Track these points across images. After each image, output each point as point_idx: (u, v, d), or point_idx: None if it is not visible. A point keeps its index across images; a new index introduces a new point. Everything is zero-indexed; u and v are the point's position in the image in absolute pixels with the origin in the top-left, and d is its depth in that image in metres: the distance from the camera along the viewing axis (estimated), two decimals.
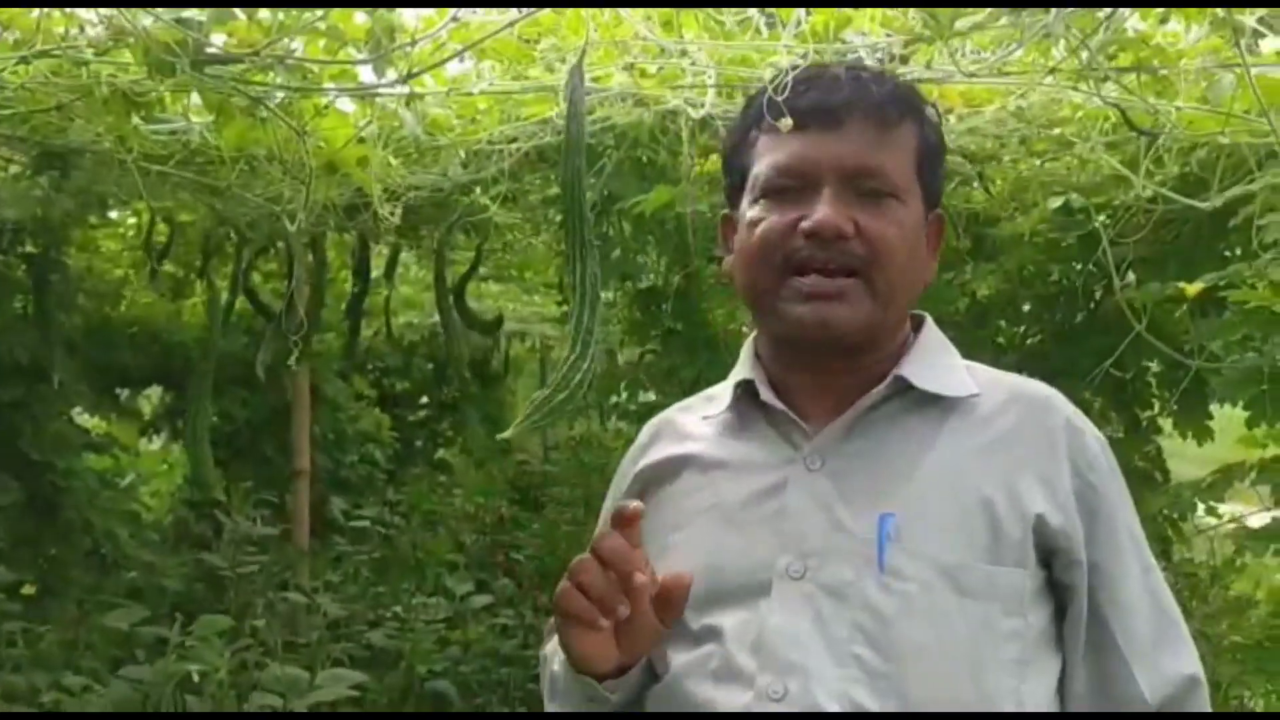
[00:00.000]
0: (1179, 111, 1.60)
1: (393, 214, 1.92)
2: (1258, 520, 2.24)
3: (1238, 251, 2.49)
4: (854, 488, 1.08)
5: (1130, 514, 1.13)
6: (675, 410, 1.29)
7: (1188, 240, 2.55)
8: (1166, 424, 2.90)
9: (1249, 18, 1.54)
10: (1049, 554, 1.07)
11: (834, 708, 1.01)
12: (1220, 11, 1.31)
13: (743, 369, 1.20)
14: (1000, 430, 1.10)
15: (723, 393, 1.21)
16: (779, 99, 1.12)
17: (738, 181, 1.18)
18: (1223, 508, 2.78)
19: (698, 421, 1.22)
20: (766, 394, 1.15)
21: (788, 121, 1.11)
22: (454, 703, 3.80)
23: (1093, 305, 2.88)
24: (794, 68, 1.14)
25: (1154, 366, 2.81)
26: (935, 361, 1.16)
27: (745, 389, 1.18)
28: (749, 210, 1.14)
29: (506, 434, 1.15)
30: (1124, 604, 1.09)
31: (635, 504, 1.06)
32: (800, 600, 1.05)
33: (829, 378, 1.14)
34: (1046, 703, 1.06)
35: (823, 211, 1.08)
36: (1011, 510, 1.05)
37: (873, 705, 1.01)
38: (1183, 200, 1.82)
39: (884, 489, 1.08)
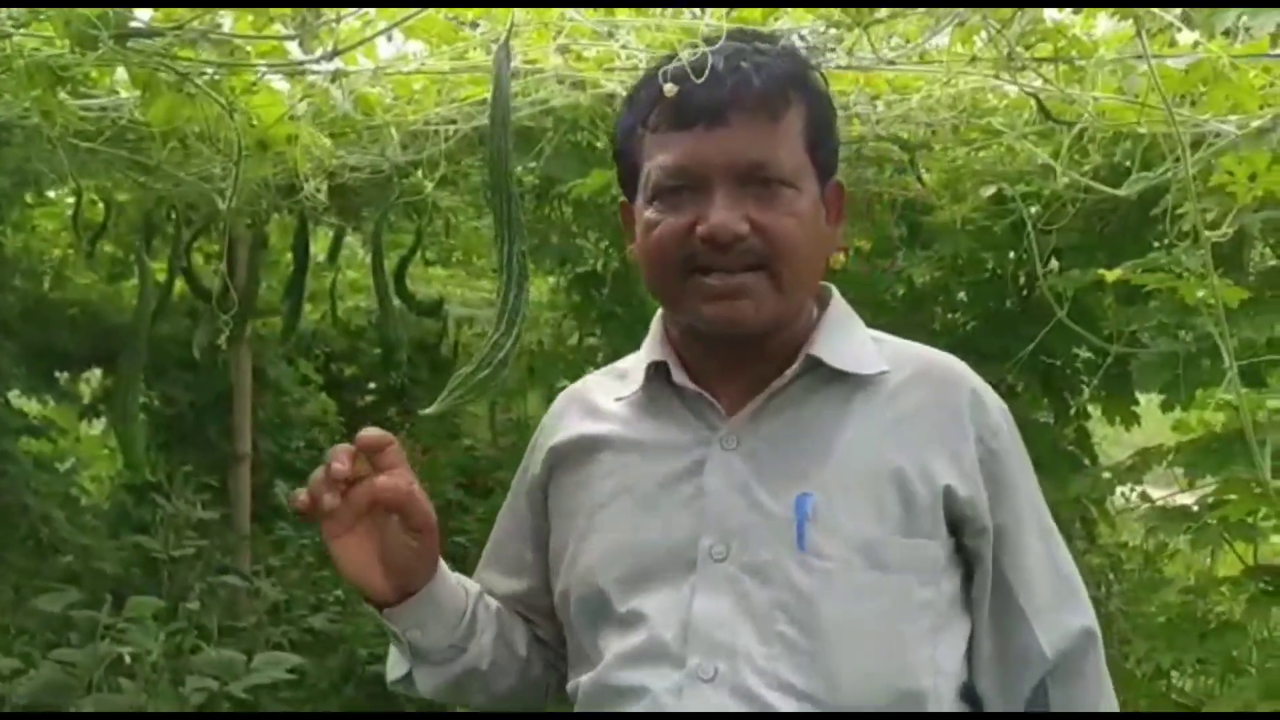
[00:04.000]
0: (1096, 102, 1.63)
1: (319, 191, 1.91)
2: (1188, 500, 2.30)
3: (1166, 242, 2.55)
4: (770, 468, 1.10)
5: (1030, 481, 1.17)
6: (586, 385, 1.29)
7: (1116, 230, 2.61)
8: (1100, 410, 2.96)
9: (1168, 14, 1.58)
10: (958, 522, 1.10)
11: (762, 686, 1.04)
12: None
13: (653, 349, 1.19)
14: (908, 406, 1.13)
15: (634, 371, 1.21)
16: (666, 95, 1.08)
17: (629, 174, 1.17)
18: (1159, 492, 2.84)
19: (610, 400, 1.22)
20: (679, 376, 1.16)
21: (671, 87, 1.08)
22: None
23: (1025, 293, 2.94)
24: (671, 59, 1.09)
25: (1083, 353, 2.87)
26: (844, 337, 1.17)
27: (658, 370, 1.18)
28: (645, 211, 1.13)
29: (429, 411, 1.15)
30: (1024, 566, 1.13)
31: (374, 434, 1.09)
32: (725, 582, 1.07)
33: (740, 361, 1.15)
34: (957, 664, 1.11)
35: (716, 216, 1.07)
36: (922, 482, 1.08)
37: (798, 682, 1.04)
38: (1102, 189, 1.86)
39: (799, 469, 1.10)
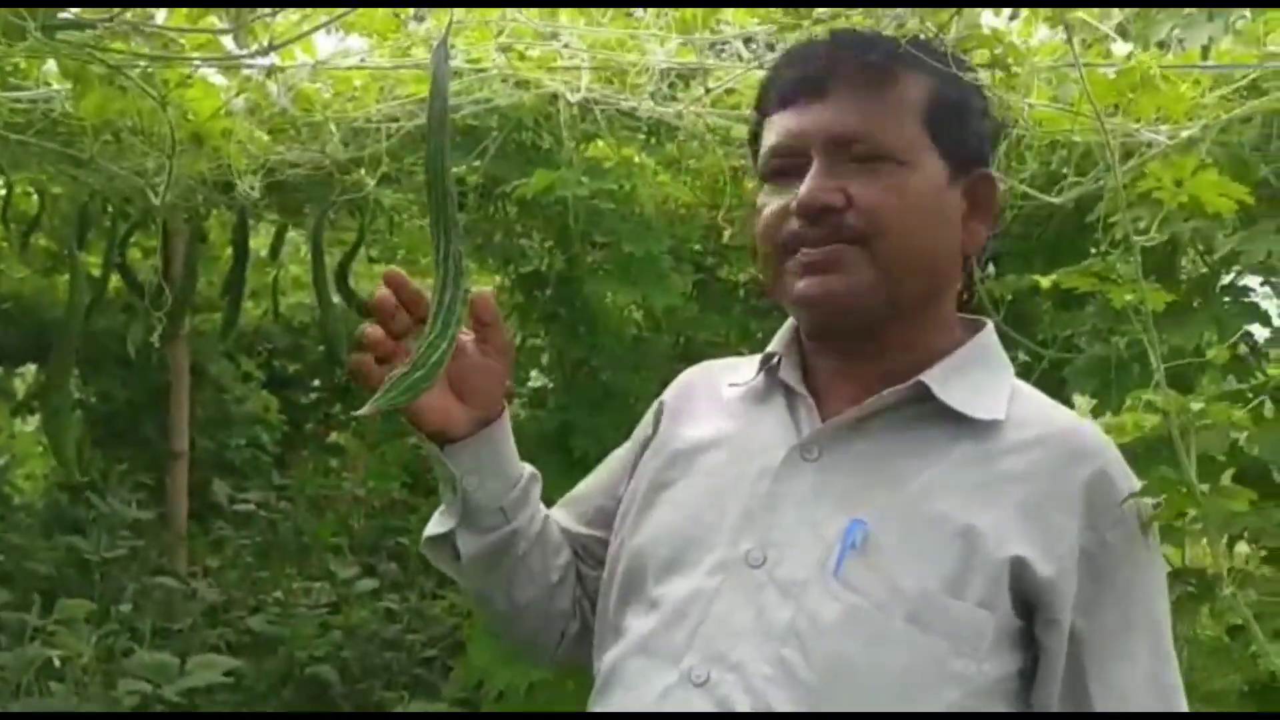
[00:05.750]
0: (1031, 109, 1.65)
1: (253, 188, 1.88)
2: None
3: (1102, 249, 2.60)
4: (837, 486, 1.03)
5: (1154, 590, 1.03)
6: (718, 364, 1.25)
7: (1052, 237, 2.64)
8: None
9: (1100, 22, 1.61)
10: (1030, 604, 0.98)
11: (746, 706, 0.97)
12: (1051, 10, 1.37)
13: (777, 341, 1.15)
14: (1013, 468, 1.01)
15: (755, 359, 1.17)
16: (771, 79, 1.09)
17: (757, 164, 1.13)
18: None
19: (725, 384, 1.18)
20: (786, 372, 1.11)
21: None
22: (335, 687, 3.76)
23: (964, 298, 2.96)
24: (786, 47, 1.11)
25: (1020, 357, 2.91)
26: (973, 374, 1.06)
27: (776, 363, 1.13)
28: (758, 197, 1.10)
29: (361, 412, 1.13)
30: (1116, 687, 0.99)
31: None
32: (752, 589, 1.01)
33: (855, 364, 1.08)
34: None
35: (806, 186, 1.02)
36: (991, 546, 0.97)
37: (786, 714, 0.96)
38: (1038, 196, 1.89)
39: (865, 494, 1.02)
